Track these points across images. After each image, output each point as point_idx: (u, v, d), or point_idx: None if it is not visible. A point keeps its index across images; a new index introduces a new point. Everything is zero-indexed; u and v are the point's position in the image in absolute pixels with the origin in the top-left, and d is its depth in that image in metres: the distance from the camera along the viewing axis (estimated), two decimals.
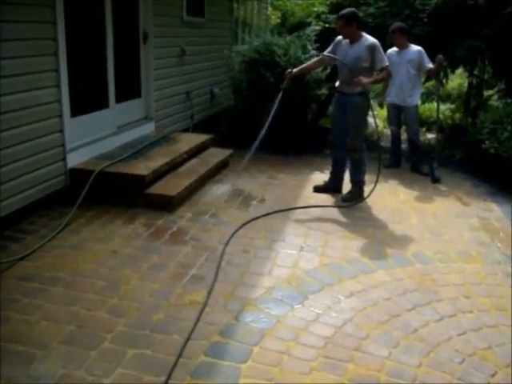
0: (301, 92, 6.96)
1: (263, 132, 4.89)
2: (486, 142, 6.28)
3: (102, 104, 5.54)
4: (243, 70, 7.47)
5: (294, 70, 5.44)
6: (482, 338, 3.11)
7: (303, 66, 5.69)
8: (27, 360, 2.69)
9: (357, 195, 5.41)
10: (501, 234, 4.71)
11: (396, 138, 6.90)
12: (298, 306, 3.32)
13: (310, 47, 7.63)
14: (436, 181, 6.26)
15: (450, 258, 4.16)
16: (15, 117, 4.10)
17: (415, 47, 6.41)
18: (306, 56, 7.29)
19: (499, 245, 4.48)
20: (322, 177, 6.12)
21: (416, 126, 6.76)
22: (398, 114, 6.71)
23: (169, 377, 2.59)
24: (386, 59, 5.16)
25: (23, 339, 2.85)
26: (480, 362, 2.90)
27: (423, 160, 6.69)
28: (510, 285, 3.76)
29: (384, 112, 7.65)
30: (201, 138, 6.32)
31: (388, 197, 5.61)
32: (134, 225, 4.45)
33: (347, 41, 5.17)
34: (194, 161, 5.85)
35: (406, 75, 6.39)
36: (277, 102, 5.15)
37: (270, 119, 4.97)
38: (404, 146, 7.05)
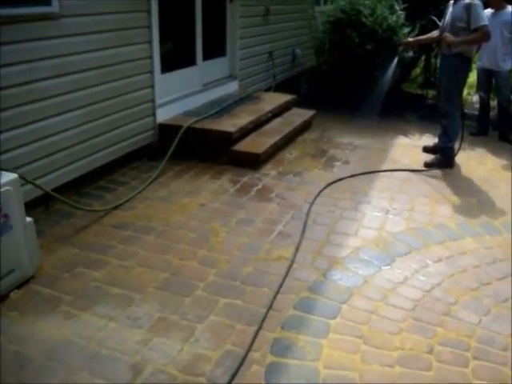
0: (385, 55, 6.77)
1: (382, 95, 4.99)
2: None
3: (190, 61, 5.62)
4: (327, 31, 7.35)
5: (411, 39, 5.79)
6: None
7: (423, 36, 5.80)
8: (125, 302, 2.83)
9: (442, 161, 5.25)
10: None
11: (485, 104, 6.61)
12: (386, 267, 3.31)
13: (397, 7, 7.39)
14: None
15: None
16: (111, 71, 4.22)
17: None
18: (394, 18, 7.08)
19: None
20: (406, 141, 5.99)
21: (508, 92, 6.40)
22: (488, 80, 6.39)
23: (260, 326, 2.66)
24: (482, 19, 4.88)
25: (121, 283, 3.00)
26: None
27: None
28: None
29: (471, 78, 7.33)
30: (284, 97, 6.30)
31: (475, 165, 5.42)
32: (220, 180, 4.54)
33: (453, 1, 5.07)
34: (277, 120, 5.86)
35: (499, 38, 6.03)
36: (393, 66, 5.26)
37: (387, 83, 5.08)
38: (492, 113, 6.75)
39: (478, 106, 6.85)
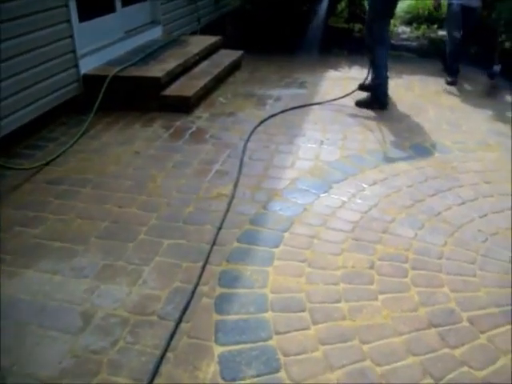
0: None
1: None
2: (503, 35, 6.08)
3: (109, 8, 5.39)
4: None
5: None
6: (504, 219, 3.18)
7: None
8: (68, 254, 2.79)
9: (372, 102, 5.01)
10: None
11: (459, 46, 5.91)
12: (324, 194, 3.39)
13: None
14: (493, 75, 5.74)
15: (469, 148, 4.18)
16: (23, 23, 4.00)
17: None
18: None
19: None
20: (336, 74, 6.05)
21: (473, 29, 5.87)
22: (462, 18, 5.72)
23: (206, 262, 2.70)
24: None
25: (62, 237, 2.94)
26: (503, 240, 2.98)
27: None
28: None
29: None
30: (211, 39, 6.18)
31: (403, 92, 5.55)
32: (152, 127, 4.46)
33: None
34: (206, 62, 5.76)
35: None
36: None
37: None
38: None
39: (404, 36, 6.89)
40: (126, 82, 4.74)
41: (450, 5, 5.83)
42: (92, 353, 2.17)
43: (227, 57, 6.06)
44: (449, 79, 5.95)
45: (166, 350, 2.18)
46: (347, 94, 5.15)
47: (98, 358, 2.15)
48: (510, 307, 2.45)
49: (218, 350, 2.18)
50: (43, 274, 2.64)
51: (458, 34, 5.79)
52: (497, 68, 5.74)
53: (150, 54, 5.37)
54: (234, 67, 6.09)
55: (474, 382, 2.06)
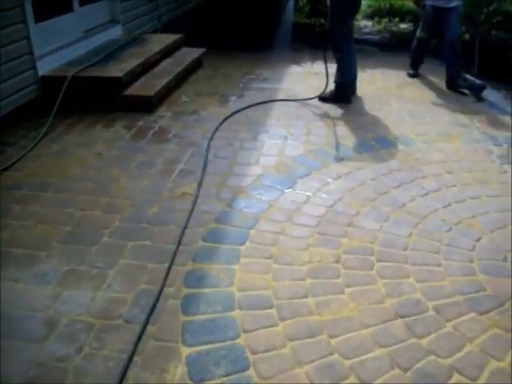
0: None
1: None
2: (462, 26, 6.17)
3: (66, 8, 5.28)
4: None
5: None
6: (466, 209, 3.23)
7: None
8: (30, 261, 2.71)
9: (336, 97, 5.00)
10: (479, 115, 4.78)
11: (424, 46, 5.88)
12: (288, 190, 3.39)
13: None
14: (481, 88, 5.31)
15: (432, 139, 4.24)
16: None
17: None
18: None
19: (478, 125, 4.56)
20: (299, 70, 6.06)
21: (458, 28, 5.60)
22: (437, 19, 5.50)
23: (172, 262, 2.66)
24: None
25: (24, 243, 2.86)
26: (466, 229, 3.03)
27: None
28: (491, 160, 3.88)
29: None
30: (172, 37, 6.13)
31: (366, 85, 5.58)
32: (114, 128, 4.39)
33: None
34: (167, 61, 5.71)
35: None
36: None
37: None
38: None
39: (366, 30, 6.94)
40: (86, 82, 4.65)
41: (423, 5, 5.66)
42: (57, 361, 2.12)
43: (189, 55, 6.01)
44: (411, 72, 6.06)
45: (132, 354, 2.14)
46: (314, 97, 5.10)
47: (63, 365, 2.10)
48: (473, 295, 2.49)
49: (186, 351, 2.16)
50: (5, 282, 2.56)
51: (424, 34, 5.71)
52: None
53: (110, 53, 5.29)
54: (196, 65, 6.05)
55: (441, 370, 2.08)
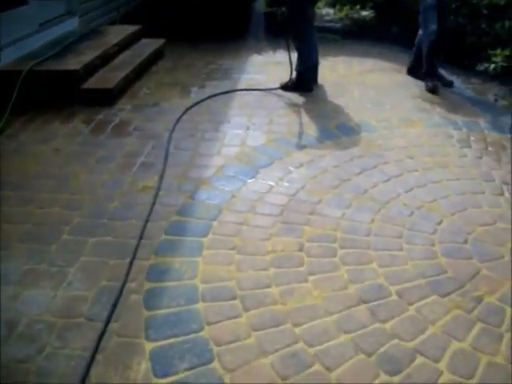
0: None
1: None
2: None
3: (20, 0, 5.14)
4: None
5: None
6: (427, 193, 3.28)
7: None
8: None
9: (296, 85, 4.98)
10: (439, 100, 4.84)
11: (439, 42, 5.04)
12: (251, 180, 3.38)
13: None
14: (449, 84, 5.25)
15: (393, 125, 4.27)
16: None
17: None
18: None
19: (438, 110, 4.61)
20: (260, 59, 6.03)
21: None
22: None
23: (133, 257, 2.63)
24: None
25: None
26: (427, 213, 3.07)
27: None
28: (452, 145, 3.93)
29: None
30: (131, 28, 6.02)
31: (328, 73, 5.58)
32: (73, 123, 4.29)
33: None
34: (126, 52, 5.61)
35: None
36: None
37: None
38: None
39: (328, 18, 6.93)
40: (42, 76, 4.53)
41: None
42: (18, 362, 2.08)
43: (149, 46, 5.92)
44: (429, 84, 5.10)
45: (95, 352, 2.11)
46: (276, 88, 5.06)
47: (25, 366, 2.06)
48: (435, 277, 2.52)
49: (149, 346, 2.14)
50: None
51: (434, 27, 4.92)
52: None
53: (67, 46, 5.17)
54: (156, 56, 5.96)
55: (405, 353, 2.10)
